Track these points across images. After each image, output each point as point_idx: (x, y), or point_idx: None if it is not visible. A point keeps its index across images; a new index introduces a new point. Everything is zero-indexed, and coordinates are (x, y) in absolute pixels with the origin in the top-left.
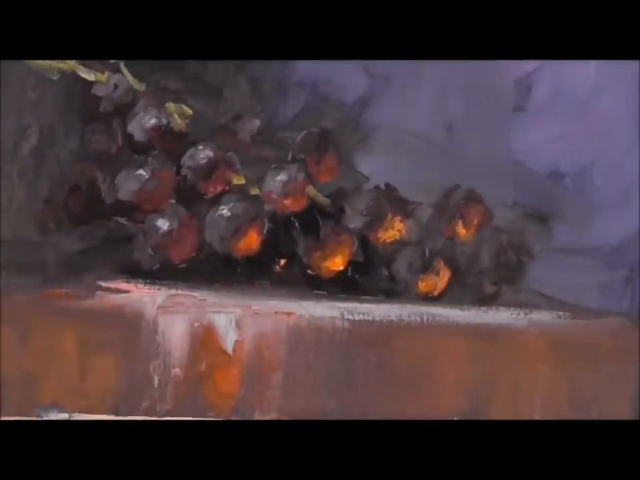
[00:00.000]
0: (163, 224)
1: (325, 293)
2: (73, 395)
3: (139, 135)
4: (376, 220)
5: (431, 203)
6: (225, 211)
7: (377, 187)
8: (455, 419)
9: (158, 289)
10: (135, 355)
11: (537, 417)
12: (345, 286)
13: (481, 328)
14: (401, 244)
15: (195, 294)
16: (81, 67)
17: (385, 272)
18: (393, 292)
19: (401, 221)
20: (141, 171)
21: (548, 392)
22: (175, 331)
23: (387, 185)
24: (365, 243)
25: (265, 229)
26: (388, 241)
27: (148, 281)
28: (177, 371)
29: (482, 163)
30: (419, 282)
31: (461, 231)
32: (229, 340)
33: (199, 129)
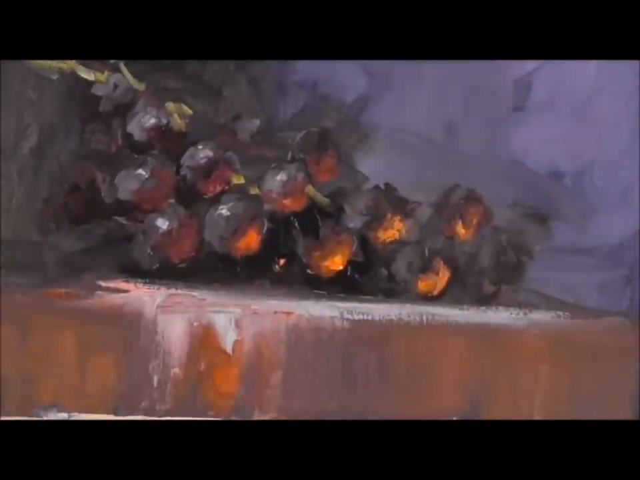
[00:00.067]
0: (163, 223)
1: (324, 292)
2: (72, 394)
3: (138, 135)
4: (375, 219)
5: (431, 203)
6: (224, 210)
7: (376, 187)
8: (455, 418)
9: (157, 289)
10: (134, 354)
11: (536, 417)
12: (344, 286)
13: (481, 328)
14: (400, 243)
15: (194, 293)
16: (80, 66)
17: (385, 272)
18: (392, 292)
19: (400, 221)
20: (140, 171)
21: (548, 392)
22: (175, 331)
23: (386, 184)
24: (364, 242)
25: (265, 228)
26: (387, 240)
27: (147, 280)
28: (176, 370)
29: (482, 162)
30: (419, 282)
31: (461, 230)
32: (228, 339)
33: (198, 129)
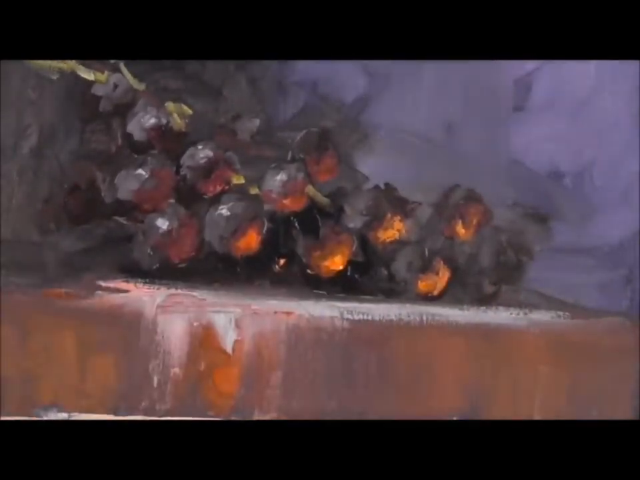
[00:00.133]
0: (163, 223)
1: (324, 292)
2: (72, 394)
3: (138, 135)
4: (375, 219)
5: (431, 203)
6: (224, 210)
7: (376, 187)
8: (455, 418)
9: (157, 289)
10: (134, 354)
11: (536, 417)
12: (344, 285)
13: (481, 328)
14: (400, 243)
15: (194, 293)
16: (80, 66)
17: (385, 272)
18: (392, 292)
19: (400, 221)
20: (140, 171)
21: (548, 392)
22: (175, 331)
23: (386, 184)
24: (364, 242)
25: (265, 228)
26: (387, 240)
27: (147, 280)
28: (176, 370)
29: (482, 162)
30: (419, 282)
31: (461, 230)
32: (228, 339)
33: (198, 129)
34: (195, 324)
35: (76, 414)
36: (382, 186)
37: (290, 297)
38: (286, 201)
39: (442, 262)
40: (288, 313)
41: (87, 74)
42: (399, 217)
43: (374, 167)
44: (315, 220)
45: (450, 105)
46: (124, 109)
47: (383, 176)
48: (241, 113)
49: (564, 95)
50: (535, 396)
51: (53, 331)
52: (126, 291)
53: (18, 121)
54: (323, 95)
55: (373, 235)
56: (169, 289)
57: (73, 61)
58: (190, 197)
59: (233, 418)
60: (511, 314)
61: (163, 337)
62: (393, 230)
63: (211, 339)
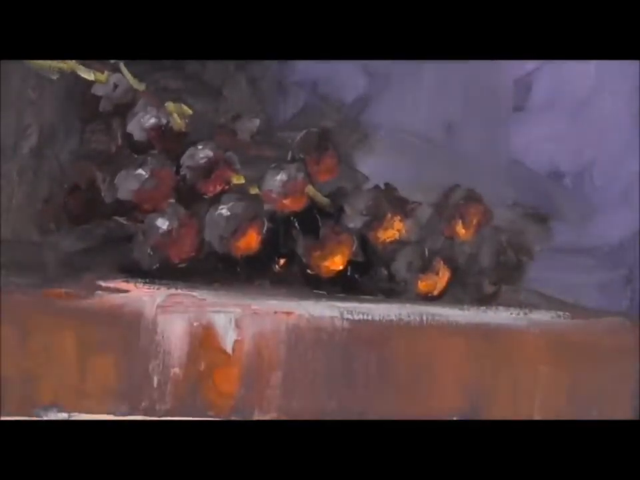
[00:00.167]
0: (163, 223)
1: (324, 292)
2: (72, 394)
3: (138, 135)
4: (375, 219)
5: (431, 203)
6: (224, 210)
7: (376, 187)
8: (455, 418)
9: (157, 289)
10: (134, 354)
11: (536, 417)
12: (344, 285)
13: (481, 328)
14: (400, 243)
15: (194, 293)
16: (80, 66)
17: (385, 272)
18: (392, 292)
19: (400, 221)
20: (140, 171)
21: (548, 392)
22: (175, 331)
23: (386, 184)
24: (364, 242)
25: (265, 228)
26: (387, 240)
27: (147, 280)
28: (176, 370)
29: (481, 162)
30: (419, 282)
31: (461, 230)
32: (228, 339)
33: (198, 129)
34: (195, 324)
35: (76, 414)
36: (382, 186)
37: (290, 297)
38: (286, 201)
39: (442, 262)
40: (288, 313)
41: (87, 74)
42: (398, 217)
43: (374, 166)
44: (315, 220)
45: (450, 105)
46: (124, 109)
47: (383, 176)
48: (241, 112)
49: (564, 95)
50: (535, 396)
51: (53, 331)
52: (126, 291)
53: (18, 120)
54: (323, 94)
55: (373, 234)
56: (168, 288)
57: (73, 61)
58: (190, 197)
59: (232, 418)
60: (510, 314)
61: (162, 337)
62: (393, 230)
63: (211, 338)
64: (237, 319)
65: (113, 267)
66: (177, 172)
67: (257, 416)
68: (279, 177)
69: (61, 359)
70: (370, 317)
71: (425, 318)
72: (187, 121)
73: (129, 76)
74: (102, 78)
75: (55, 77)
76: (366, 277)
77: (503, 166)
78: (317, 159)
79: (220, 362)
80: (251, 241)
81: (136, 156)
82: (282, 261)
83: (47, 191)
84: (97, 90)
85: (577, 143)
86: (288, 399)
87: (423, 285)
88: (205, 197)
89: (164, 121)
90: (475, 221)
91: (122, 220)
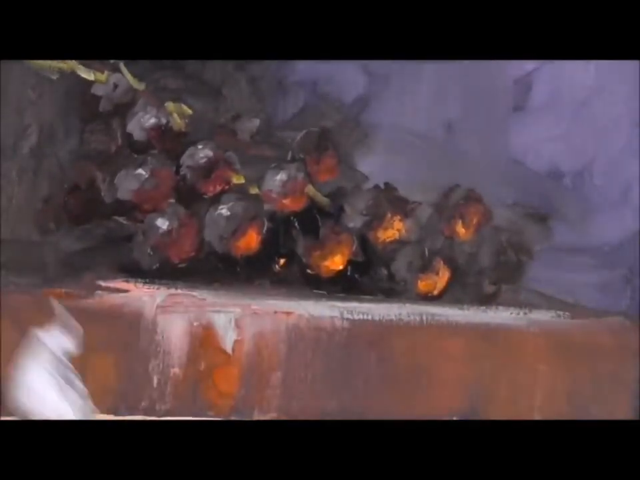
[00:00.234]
0: (163, 223)
1: (324, 292)
2: None
3: (138, 135)
4: (375, 219)
5: (431, 203)
6: (224, 210)
7: (376, 187)
8: (455, 418)
9: (157, 289)
10: (134, 354)
11: (536, 417)
12: (344, 285)
13: (481, 327)
14: (400, 243)
15: (194, 293)
16: (80, 66)
17: (385, 271)
18: (392, 291)
19: (400, 221)
20: (140, 171)
21: (548, 392)
22: (175, 331)
23: (386, 184)
24: (364, 242)
25: (265, 228)
26: (387, 240)
27: (147, 280)
28: (176, 370)
29: (481, 162)
30: (419, 281)
31: (461, 230)
32: (228, 339)
33: (198, 129)
34: (195, 324)
35: None
36: (382, 186)
37: (290, 297)
38: (286, 201)
39: (442, 262)
40: (288, 313)
41: (87, 74)
42: (398, 217)
43: (374, 166)
44: (315, 220)
45: (450, 104)
46: (124, 109)
47: (383, 176)
48: (240, 112)
49: (564, 95)
50: (535, 396)
51: None
52: (126, 291)
53: (18, 121)
54: (323, 94)
55: (373, 234)
56: (168, 288)
57: (73, 60)
58: (190, 197)
59: (232, 418)
60: (510, 314)
61: (162, 337)
62: (393, 230)
63: (211, 339)
64: (237, 318)
65: (113, 266)
66: (177, 172)
67: (257, 416)
68: (278, 177)
69: None
70: (370, 317)
71: (424, 318)
72: (186, 120)
73: (128, 76)
74: (102, 78)
75: (54, 77)
76: (366, 276)
77: (503, 166)
78: (316, 159)
79: (220, 362)
80: (250, 240)
81: (136, 156)
82: (282, 261)
83: (47, 190)
84: (97, 90)
85: (577, 143)
86: (288, 399)
87: (422, 285)
88: (205, 196)
89: (164, 121)
90: (474, 221)
91: (122, 220)
